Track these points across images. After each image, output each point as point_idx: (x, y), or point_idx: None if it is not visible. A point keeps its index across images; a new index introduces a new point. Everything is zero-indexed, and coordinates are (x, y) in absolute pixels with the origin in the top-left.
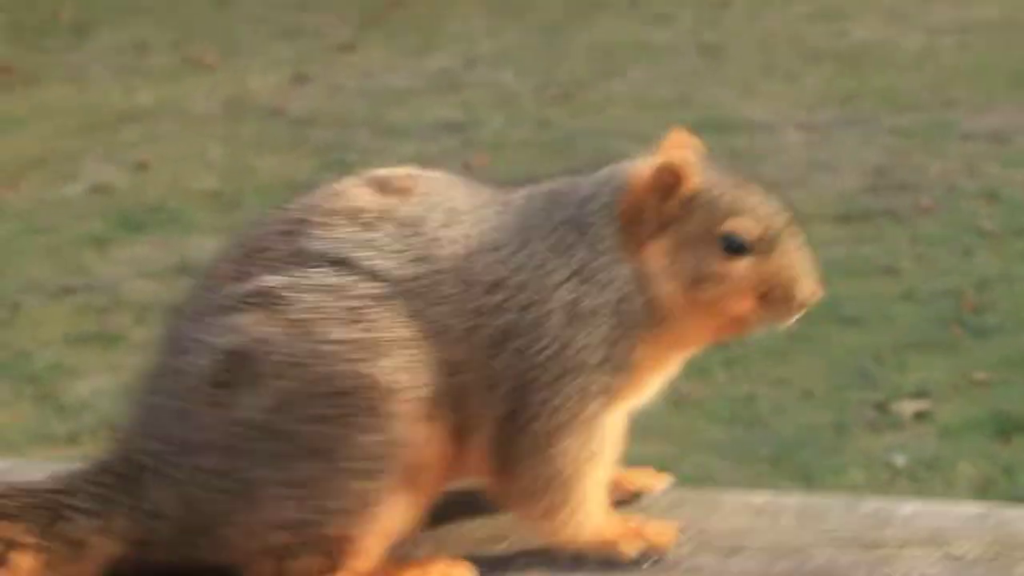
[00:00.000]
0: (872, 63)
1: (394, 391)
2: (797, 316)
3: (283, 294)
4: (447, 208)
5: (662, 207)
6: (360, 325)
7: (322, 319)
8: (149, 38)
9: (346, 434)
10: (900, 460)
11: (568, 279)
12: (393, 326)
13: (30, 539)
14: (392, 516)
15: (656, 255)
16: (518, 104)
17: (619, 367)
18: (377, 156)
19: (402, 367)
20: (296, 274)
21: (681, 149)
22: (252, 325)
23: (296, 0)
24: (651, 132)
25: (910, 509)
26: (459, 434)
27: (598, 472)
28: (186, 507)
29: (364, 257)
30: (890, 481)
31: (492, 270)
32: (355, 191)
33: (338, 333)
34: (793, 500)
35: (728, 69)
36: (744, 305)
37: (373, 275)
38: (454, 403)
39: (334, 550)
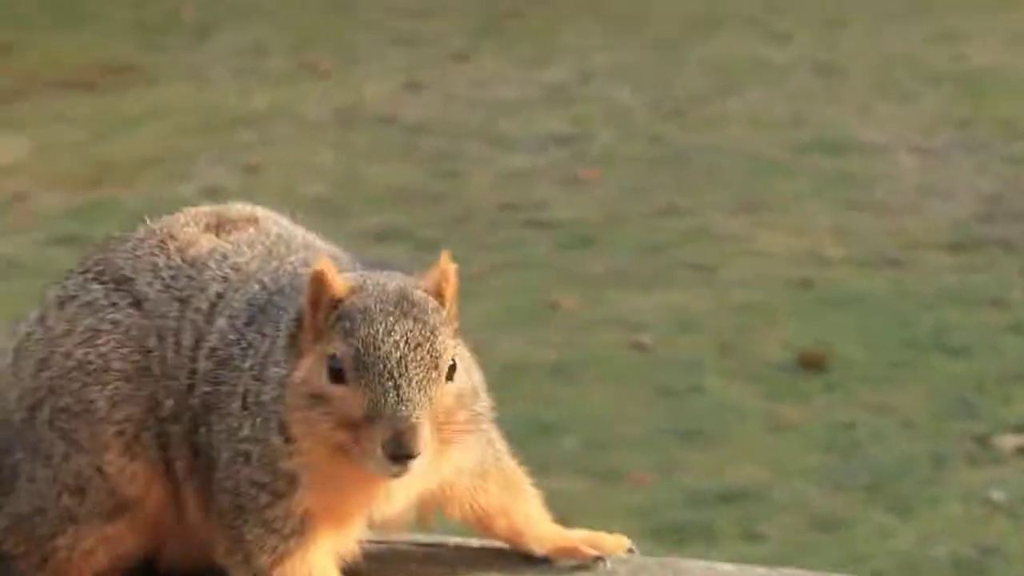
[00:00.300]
0: (991, 88)
1: (104, 420)
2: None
3: (64, 300)
4: (233, 264)
5: (314, 317)
6: (93, 349)
7: (68, 333)
8: (268, 41)
9: (65, 449)
10: (998, 495)
11: (251, 368)
12: (118, 357)
13: None
14: (103, 541)
15: (303, 364)
16: (631, 119)
17: (278, 470)
18: (487, 166)
19: (115, 399)
20: (85, 284)
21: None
22: (33, 323)
23: (413, 8)
24: (764, 151)
25: None
26: (175, 490)
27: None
28: None
29: (143, 282)
30: (987, 516)
31: (221, 337)
32: (189, 218)
33: (75, 350)
34: (760, 572)
35: (844, 89)
36: (341, 435)
37: (138, 302)
38: (161, 448)
39: (46, 555)
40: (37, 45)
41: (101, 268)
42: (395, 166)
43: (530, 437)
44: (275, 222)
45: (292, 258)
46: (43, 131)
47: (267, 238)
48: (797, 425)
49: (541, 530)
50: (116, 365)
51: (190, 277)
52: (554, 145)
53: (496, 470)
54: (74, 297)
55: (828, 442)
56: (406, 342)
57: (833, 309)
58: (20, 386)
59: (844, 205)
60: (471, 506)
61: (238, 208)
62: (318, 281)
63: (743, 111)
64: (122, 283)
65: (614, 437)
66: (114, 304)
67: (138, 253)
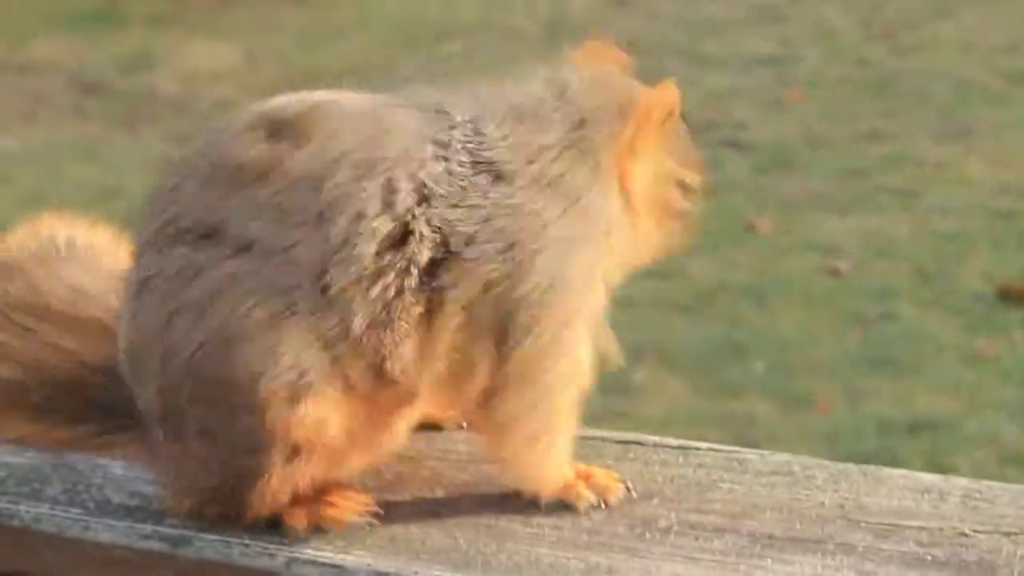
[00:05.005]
0: None
1: (256, 379)
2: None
3: (154, 282)
4: (358, 159)
5: (655, 138)
6: (217, 312)
7: (178, 309)
8: None
9: (222, 419)
10: None
11: (562, 215)
12: (252, 309)
13: None
14: (302, 475)
15: (639, 183)
16: (839, 40)
17: (596, 288)
18: (688, 86)
19: (262, 353)
20: (164, 254)
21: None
22: (127, 318)
23: None
24: (975, 78)
25: None
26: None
27: (575, 398)
28: None
29: (237, 224)
30: None
31: (450, 221)
32: (243, 140)
33: (196, 326)
34: (963, 483)
35: None
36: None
37: (241, 246)
38: (345, 373)
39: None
40: None
41: (167, 228)
42: None
43: (721, 359)
44: (331, 136)
45: None
46: (252, 39)
47: (363, 109)
48: (993, 358)
49: None
50: (256, 316)
51: (303, 194)
52: (758, 66)
53: None
54: (157, 276)
55: None
56: None
57: None
58: (151, 381)
59: None
60: None
61: (285, 102)
62: (668, 102)
63: (955, 35)
64: (209, 235)
65: (804, 362)
66: (210, 260)
67: (203, 199)
